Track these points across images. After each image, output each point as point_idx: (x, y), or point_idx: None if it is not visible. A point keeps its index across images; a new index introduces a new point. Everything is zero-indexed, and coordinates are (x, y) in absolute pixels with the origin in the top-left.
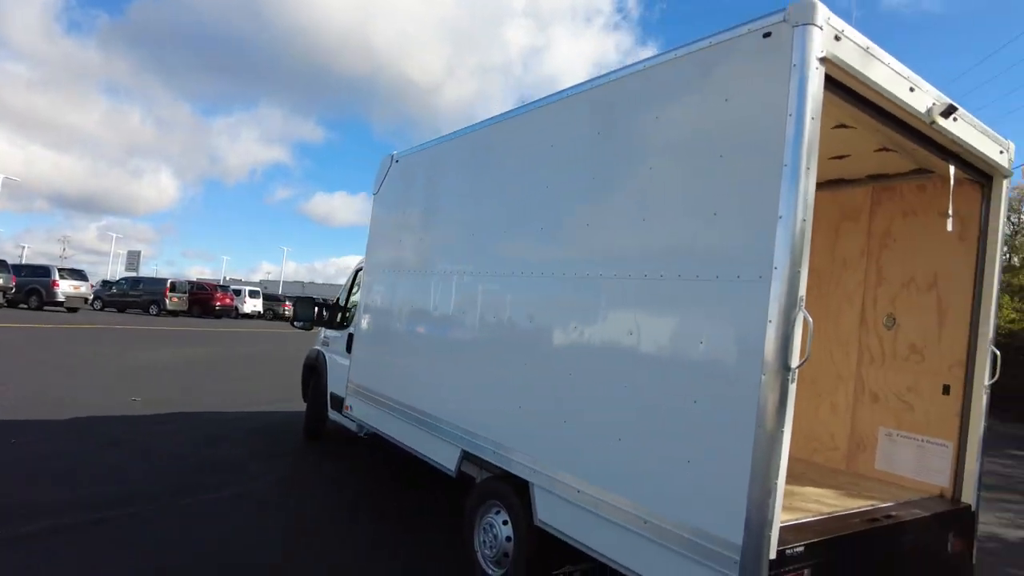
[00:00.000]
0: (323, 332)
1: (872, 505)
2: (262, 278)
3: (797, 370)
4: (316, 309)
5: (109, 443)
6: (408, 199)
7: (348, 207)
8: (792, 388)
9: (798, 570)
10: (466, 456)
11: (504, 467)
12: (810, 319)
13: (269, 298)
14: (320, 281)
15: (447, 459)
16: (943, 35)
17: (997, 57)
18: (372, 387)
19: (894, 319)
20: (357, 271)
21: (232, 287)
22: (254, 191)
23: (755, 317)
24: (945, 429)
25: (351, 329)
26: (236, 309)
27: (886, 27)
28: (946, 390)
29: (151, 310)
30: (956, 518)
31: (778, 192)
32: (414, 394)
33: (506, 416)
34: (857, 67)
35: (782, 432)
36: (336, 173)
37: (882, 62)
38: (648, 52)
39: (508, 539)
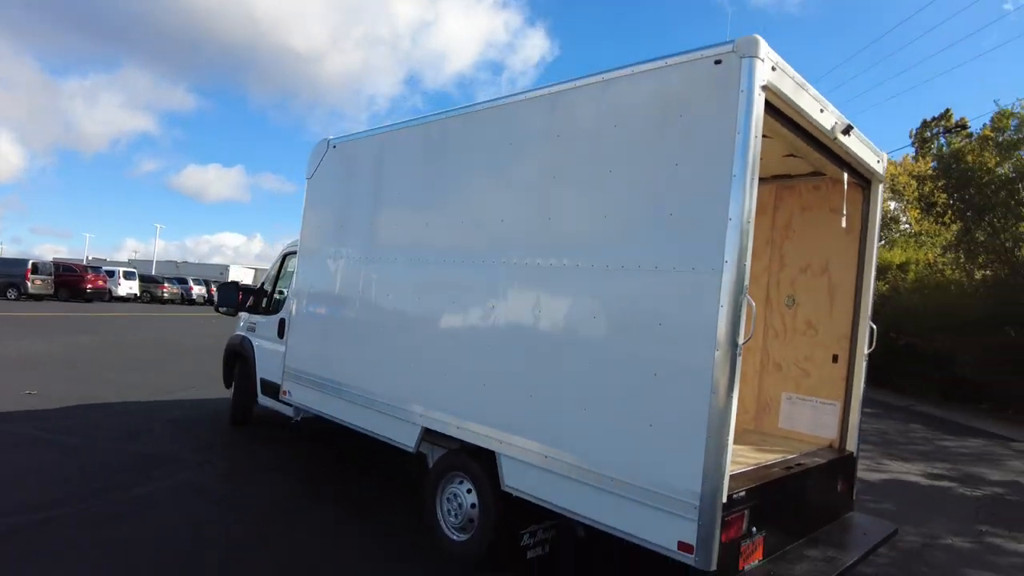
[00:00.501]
0: (246, 318)
1: (783, 457)
2: (129, 257)
3: (743, 345)
4: (240, 294)
5: (28, 442)
6: (352, 186)
7: (222, 180)
8: (739, 361)
9: (741, 511)
10: (427, 433)
11: (469, 441)
12: (753, 304)
13: (144, 279)
14: (194, 260)
15: (406, 437)
16: (803, 33)
17: (861, 56)
18: (316, 372)
19: (794, 299)
20: (285, 256)
21: (103, 268)
22: (116, 162)
23: (709, 303)
24: (834, 391)
25: (282, 314)
26: (109, 292)
27: (755, 23)
28: (835, 359)
29: (8, 294)
30: (843, 464)
31: (728, 198)
32: (368, 378)
33: (470, 395)
34: (787, 92)
35: (732, 398)
36: (210, 144)
37: (803, 88)
38: (537, 32)
39: (473, 506)
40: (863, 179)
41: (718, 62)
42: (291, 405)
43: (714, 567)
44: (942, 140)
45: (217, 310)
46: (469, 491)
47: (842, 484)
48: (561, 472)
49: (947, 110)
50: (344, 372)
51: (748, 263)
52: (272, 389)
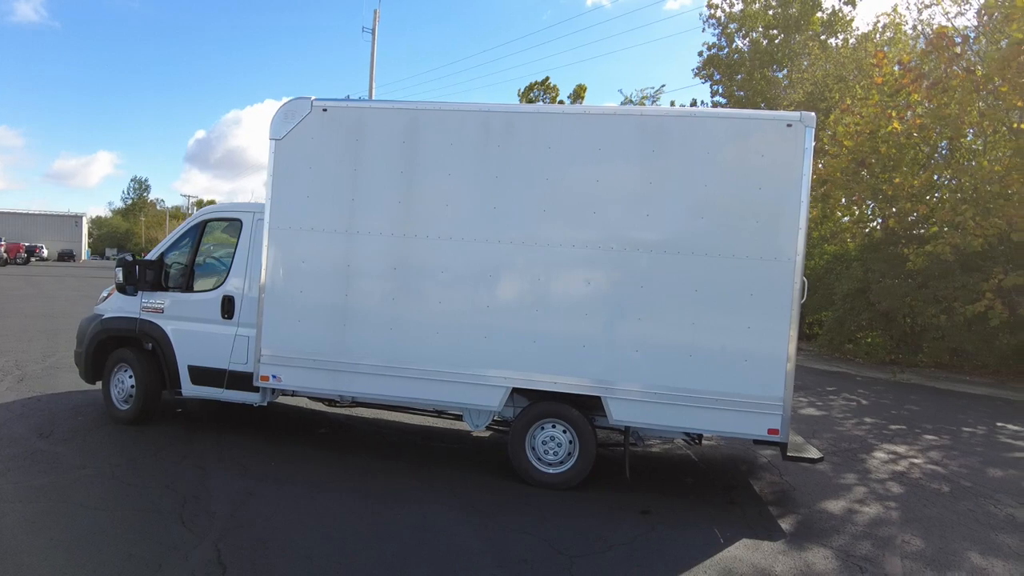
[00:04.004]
0: (142, 297)
1: None
2: None
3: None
4: (136, 269)
5: None
6: (366, 158)
7: None
8: (798, 314)
9: None
10: (515, 392)
11: (572, 392)
12: (806, 281)
13: None
14: None
15: (488, 399)
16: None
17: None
18: (329, 353)
19: None
20: (206, 223)
21: None
22: None
23: (787, 280)
24: None
25: (226, 292)
26: None
27: None
28: None
29: None
30: None
31: (799, 214)
32: (426, 353)
33: (568, 355)
34: None
35: (795, 335)
36: None
37: None
38: None
39: (571, 442)
40: None
41: (789, 125)
42: (282, 389)
43: (788, 440)
44: (543, 99)
45: (126, 292)
46: (565, 431)
47: None
48: (666, 402)
49: (546, 77)
50: (384, 350)
51: (804, 256)
52: (212, 377)
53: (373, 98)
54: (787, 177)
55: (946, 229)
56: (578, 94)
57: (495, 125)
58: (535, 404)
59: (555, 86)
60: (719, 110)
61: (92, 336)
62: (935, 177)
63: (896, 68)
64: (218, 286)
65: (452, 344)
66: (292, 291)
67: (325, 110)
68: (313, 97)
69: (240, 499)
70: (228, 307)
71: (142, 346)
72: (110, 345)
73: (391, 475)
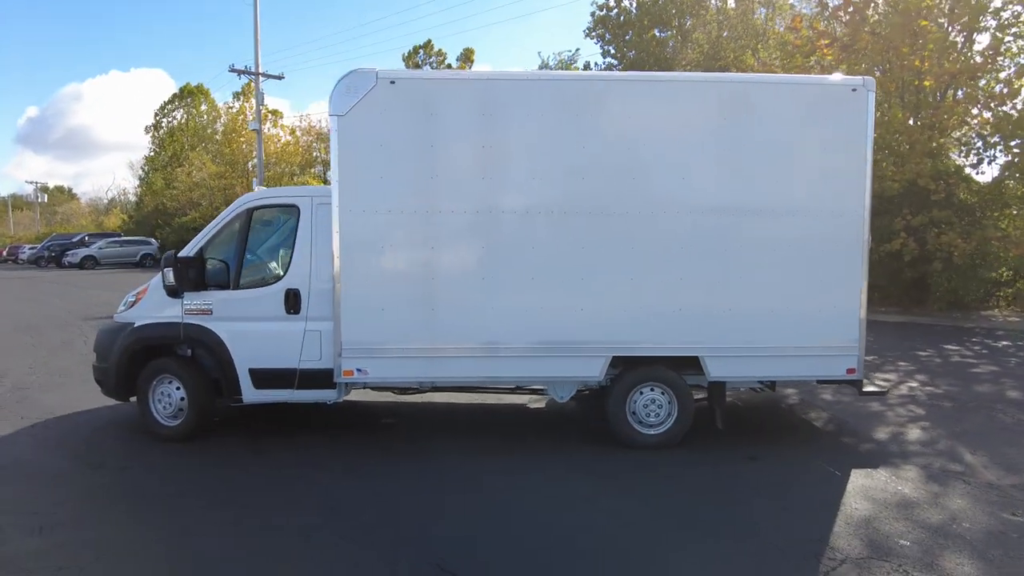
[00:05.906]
0: (183, 298)
1: None
2: None
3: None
4: (186, 269)
5: None
6: (442, 133)
7: None
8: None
9: None
10: (614, 361)
11: (672, 355)
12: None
13: None
14: None
15: (587, 370)
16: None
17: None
18: (422, 341)
19: None
20: (252, 211)
21: None
22: None
23: (859, 232)
24: None
25: (288, 284)
26: None
27: None
28: None
29: None
30: None
31: (866, 175)
32: (526, 330)
33: (665, 321)
34: None
35: (866, 284)
36: None
37: None
38: None
39: (670, 402)
40: None
41: (854, 90)
42: (366, 383)
43: (863, 377)
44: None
45: (178, 295)
46: (664, 393)
47: None
48: (756, 355)
49: (428, 40)
50: (478, 331)
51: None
52: (280, 378)
53: (260, 68)
54: (856, 138)
55: None
56: (467, 57)
57: (580, 94)
58: (630, 370)
59: (441, 50)
60: (794, 76)
61: (124, 347)
62: None
63: (809, 31)
64: (278, 279)
65: (549, 319)
66: (373, 278)
67: (393, 82)
68: (377, 68)
69: (380, 504)
70: (293, 301)
71: (184, 354)
72: (145, 356)
73: (497, 453)
